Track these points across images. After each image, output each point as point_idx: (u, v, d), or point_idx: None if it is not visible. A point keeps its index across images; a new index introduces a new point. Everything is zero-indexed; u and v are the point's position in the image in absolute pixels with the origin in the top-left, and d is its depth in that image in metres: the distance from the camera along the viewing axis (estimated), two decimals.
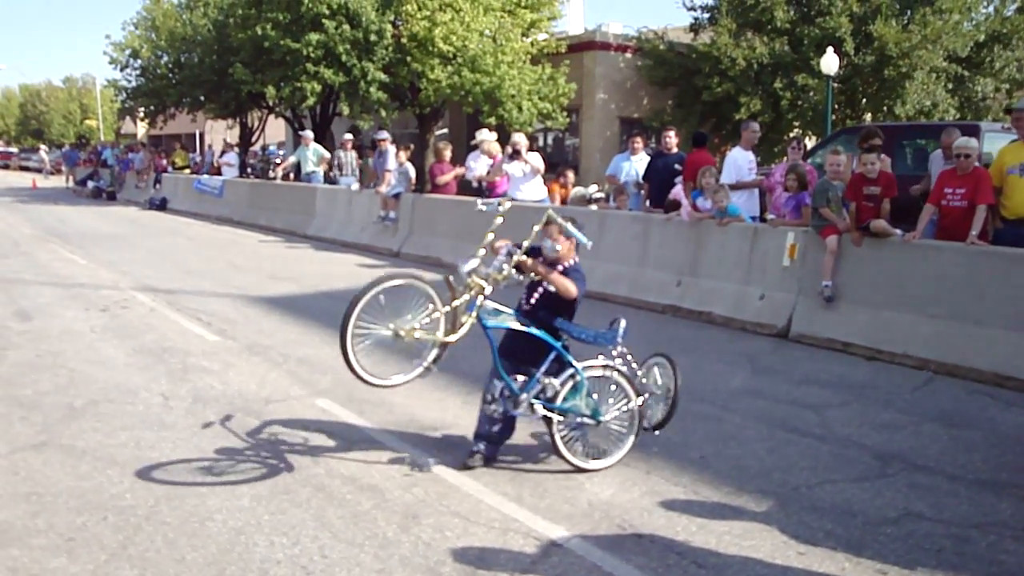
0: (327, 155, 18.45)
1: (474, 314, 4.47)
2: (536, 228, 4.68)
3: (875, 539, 4.03)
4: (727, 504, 4.41)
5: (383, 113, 20.60)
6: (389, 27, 19.57)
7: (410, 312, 4.36)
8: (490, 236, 4.62)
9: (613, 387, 4.86)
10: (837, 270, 7.91)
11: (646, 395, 4.91)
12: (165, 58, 26.74)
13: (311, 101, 20.47)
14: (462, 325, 4.45)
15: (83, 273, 11.80)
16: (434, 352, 4.47)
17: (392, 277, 4.35)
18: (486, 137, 13.09)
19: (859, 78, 20.09)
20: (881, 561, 3.82)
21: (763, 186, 10.35)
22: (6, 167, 56.26)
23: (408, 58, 19.45)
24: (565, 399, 4.71)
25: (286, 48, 19.31)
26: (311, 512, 4.27)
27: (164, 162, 26.52)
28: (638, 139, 12.09)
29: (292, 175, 20.25)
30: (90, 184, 29.02)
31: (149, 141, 41.65)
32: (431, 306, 4.38)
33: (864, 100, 20.91)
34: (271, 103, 24.59)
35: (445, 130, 24.77)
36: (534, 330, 4.67)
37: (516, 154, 11.69)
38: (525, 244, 4.68)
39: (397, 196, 14.37)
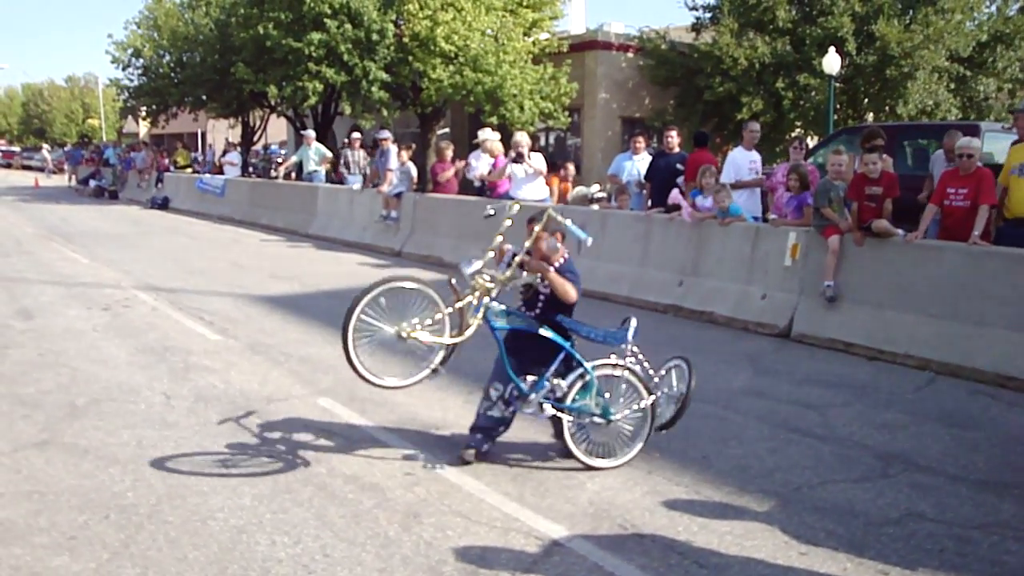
0: (329, 154, 18.45)
1: (481, 315, 4.47)
2: (536, 227, 4.68)
3: (877, 539, 4.03)
4: (729, 504, 4.41)
5: (385, 112, 20.59)
6: (391, 26, 19.56)
7: (414, 315, 4.37)
8: (498, 239, 4.62)
9: (624, 386, 4.87)
10: (839, 270, 7.91)
11: (658, 394, 4.90)
12: (167, 57, 26.74)
13: (313, 100, 20.47)
14: (469, 326, 4.45)
15: (85, 272, 11.81)
16: (441, 354, 4.47)
17: (395, 280, 4.35)
18: (488, 136, 13.09)
19: (861, 78, 20.08)
20: (883, 561, 3.82)
21: (763, 186, 10.36)
22: (8, 166, 56.34)
23: (410, 57, 19.45)
24: (575, 399, 4.73)
25: (288, 47, 19.32)
26: (313, 511, 4.27)
27: (166, 161, 26.54)
28: (640, 139, 12.08)
29: (294, 174, 20.25)
30: (92, 183, 29.04)
31: (151, 140, 41.65)
32: (435, 309, 4.38)
33: (866, 100, 20.90)
34: (273, 102, 24.59)
35: (447, 129, 24.77)
36: (544, 331, 4.67)
37: (520, 157, 11.69)
38: (527, 244, 4.68)
39: (399, 195, 14.38)
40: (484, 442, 4.88)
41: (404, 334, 4.31)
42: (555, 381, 4.68)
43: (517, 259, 4.56)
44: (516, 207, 4.74)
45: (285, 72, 20.20)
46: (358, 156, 16.82)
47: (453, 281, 4.47)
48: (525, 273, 4.68)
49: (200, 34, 25.14)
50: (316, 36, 18.99)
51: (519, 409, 4.69)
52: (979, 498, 4.52)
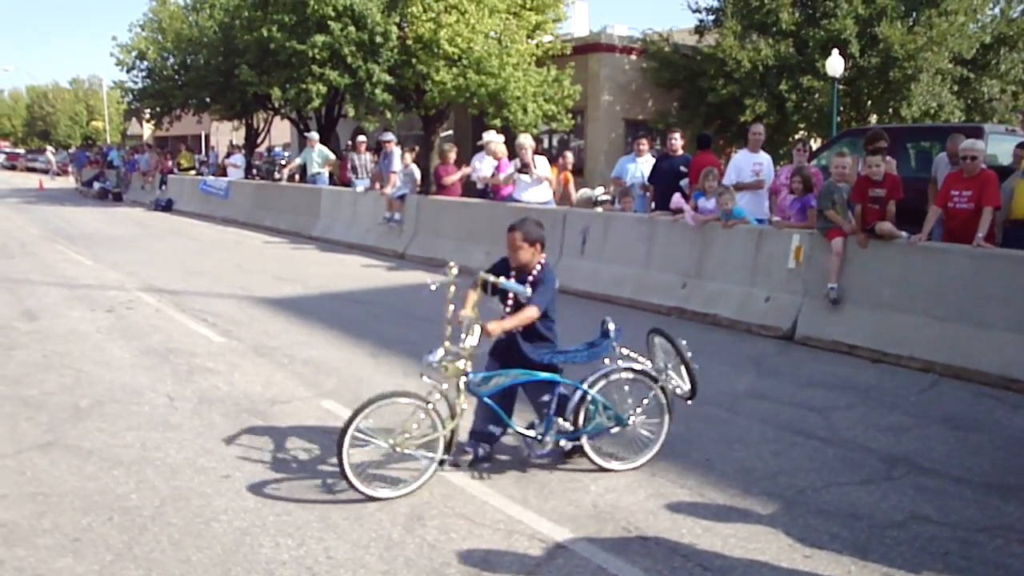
0: (332, 157, 18.47)
1: (463, 393, 4.51)
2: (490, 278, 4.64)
3: (881, 542, 4.02)
4: (733, 506, 4.41)
5: (388, 115, 20.62)
6: (395, 29, 19.60)
7: (404, 421, 4.45)
8: (450, 308, 4.55)
9: (627, 386, 4.87)
10: (843, 272, 7.90)
11: (662, 378, 4.90)
12: (171, 60, 26.82)
13: (316, 103, 20.50)
14: (460, 407, 4.51)
15: (89, 274, 11.83)
16: (442, 444, 4.51)
17: (372, 402, 4.36)
18: (492, 139, 13.10)
19: (864, 80, 20.06)
20: (887, 564, 3.81)
21: (762, 187, 10.33)
22: (13, 168, 56.47)
23: (413, 60, 19.48)
24: (584, 424, 4.75)
25: (292, 50, 19.36)
26: (316, 513, 4.27)
27: (170, 163, 26.59)
28: (643, 141, 12.09)
29: (297, 176, 20.29)
30: (96, 185, 29.10)
31: (155, 142, 41.75)
32: (423, 412, 4.44)
33: (869, 102, 20.88)
34: (277, 105, 24.64)
35: (450, 132, 24.79)
36: (529, 377, 4.69)
37: (526, 168, 11.71)
38: (487, 277, 4.63)
39: (402, 198, 14.39)
40: (479, 447, 4.89)
41: (398, 448, 4.42)
42: (560, 422, 4.71)
43: (476, 337, 4.47)
44: (455, 270, 4.64)
45: (289, 74, 20.24)
46: (364, 159, 16.80)
47: (424, 376, 4.50)
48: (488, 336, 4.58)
49: (204, 36, 25.22)
50: (320, 38, 19.02)
51: (537, 452, 4.76)
52: (984, 501, 4.51)
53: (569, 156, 13.72)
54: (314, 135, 18.92)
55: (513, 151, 12.43)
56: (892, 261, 7.64)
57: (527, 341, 4.76)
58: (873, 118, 20.92)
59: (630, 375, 4.85)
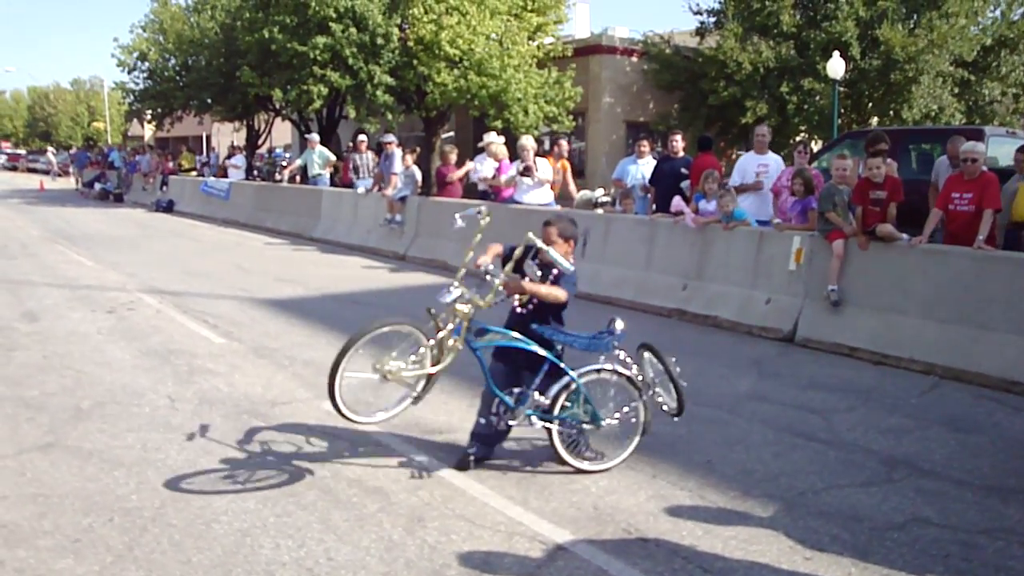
0: (333, 158, 18.46)
1: (460, 338, 4.48)
2: (517, 252, 4.62)
3: (882, 544, 4.02)
4: (733, 508, 4.40)
5: (389, 116, 20.64)
6: (396, 30, 19.62)
7: (395, 349, 4.41)
8: (469, 255, 4.59)
9: (613, 390, 4.86)
10: (843, 274, 7.90)
11: (649, 392, 4.89)
12: (172, 61, 26.85)
13: (318, 104, 20.52)
14: (450, 352, 4.47)
15: (90, 275, 11.84)
16: (423, 383, 4.51)
17: (376, 326, 4.35)
18: (492, 140, 13.11)
19: (865, 82, 20.08)
20: (888, 567, 3.81)
21: (761, 188, 10.32)
22: (14, 169, 56.52)
23: (414, 61, 19.50)
24: (562, 408, 4.72)
25: (293, 51, 19.38)
26: (317, 514, 4.27)
27: (171, 164, 26.61)
28: (644, 143, 12.09)
29: (298, 178, 20.29)
30: (97, 186, 29.11)
31: (156, 143, 41.79)
32: (416, 342, 4.42)
33: (870, 104, 20.90)
34: (278, 106, 24.67)
35: (451, 133, 24.82)
36: (524, 344, 4.67)
37: (528, 171, 11.71)
38: (517, 251, 4.61)
39: (403, 199, 14.39)
40: (480, 450, 4.89)
41: (388, 376, 4.36)
42: (539, 397, 4.68)
43: (498, 283, 4.50)
44: (487, 217, 4.66)
45: (290, 76, 20.26)
46: (367, 159, 16.73)
47: (432, 310, 4.48)
48: (507, 297, 4.63)
49: (205, 38, 25.24)
50: (321, 40, 19.05)
51: (508, 423, 4.71)
52: (984, 503, 4.51)
53: (564, 144, 13.72)
54: (314, 136, 18.92)
55: (514, 153, 12.43)
56: (893, 263, 7.64)
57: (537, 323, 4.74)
58: (874, 120, 20.95)
59: (619, 379, 4.82)
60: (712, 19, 22.29)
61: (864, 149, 9.04)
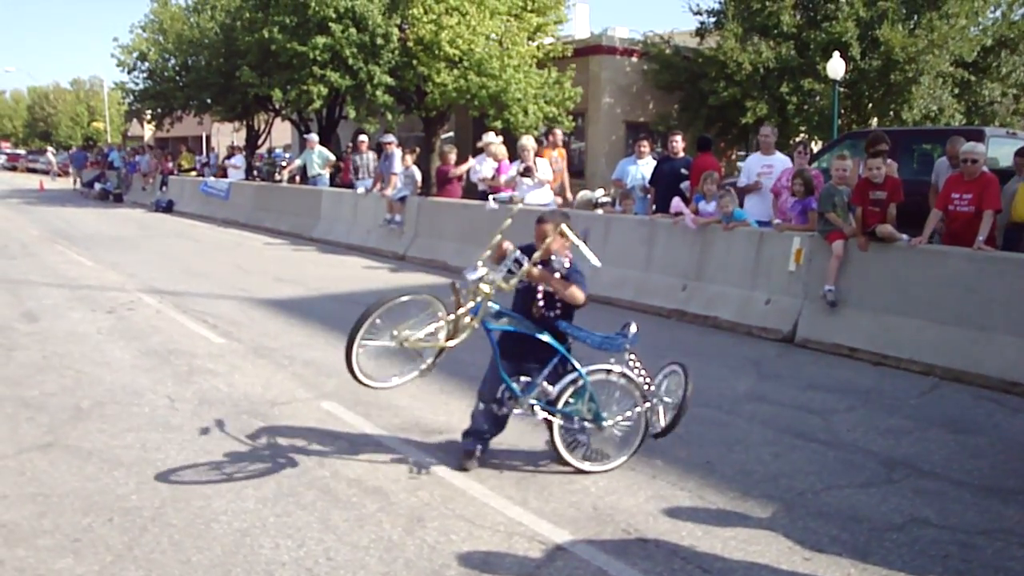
0: (332, 158, 18.45)
1: (478, 317, 4.48)
2: (548, 228, 4.65)
3: (881, 545, 4.02)
4: (732, 509, 4.41)
5: (389, 116, 20.64)
6: (395, 31, 19.62)
7: (413, 318, 4.41)
8: (497, 238, 4.63)
9: (618, 392, 4.86)
10: (843, 275, 7.90)
11: (653, 401, 4.88)
12: (172, 61, 26.84)
13: (317, 104, 20.52)
14: (465, 329, 4.47)
15: (90, 275, 11.84)
16: (433, 356, 4.54)
17: (400, 294, 4.38)
18: (492, 140, 13.11)
19: (865, 83, 20.06)
20: (887, 567, 3.81)
21: (760, 188, 10.32)
22: (14, 169, 56.49)
23: (414, 61, 19.50)
24: (567, 403, 4.72)
25: (293, 51, 19.37)
26: (316, 514, 4.27)
27: (170, 164, 26.60)
28: (644, 143, 12.09)
29: (298, 178, 20.29)
30: (97, 186, 29.11)
31: (156, 143, 41.75)
32: (433, 313, 4.43)
33: (870, 105, 20.88)
34: (277, 106, 24.67)
35: (451, 134, 24.82)
36: (539, 335, 4.67)
37: (528, 171, 11.72)
38: (537, 255, 4.64)
39: (403, 199, 14.39)
40: (475, 444, 4.88)
41: (405, 343, 4.35)
42: (547, 386, 4.68)
43: (524, 269, 4.55)
44: (519, 204, 4.73)
45: (290, 76, 20.26)
46: (367, 159, 16.69)
47: (456, 284, 4.50)
48: (529, 284, 4.67)
49: (205, 38, 25.24)
50: (321, 40, 19.04)
51: (511, 410, 4.70)
52: (983, 504, 4.51)
53: (559, 133, 13.69)
54: (314, 137, 18.93)
55: (514, 153, 12.43)
56: (892, 264, 7.64)
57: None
58: (874, 121, 20.93)
59: (627, 383, 4.82)
60: (712, 19, 22.26)
61: (864, 149, 9.04)
